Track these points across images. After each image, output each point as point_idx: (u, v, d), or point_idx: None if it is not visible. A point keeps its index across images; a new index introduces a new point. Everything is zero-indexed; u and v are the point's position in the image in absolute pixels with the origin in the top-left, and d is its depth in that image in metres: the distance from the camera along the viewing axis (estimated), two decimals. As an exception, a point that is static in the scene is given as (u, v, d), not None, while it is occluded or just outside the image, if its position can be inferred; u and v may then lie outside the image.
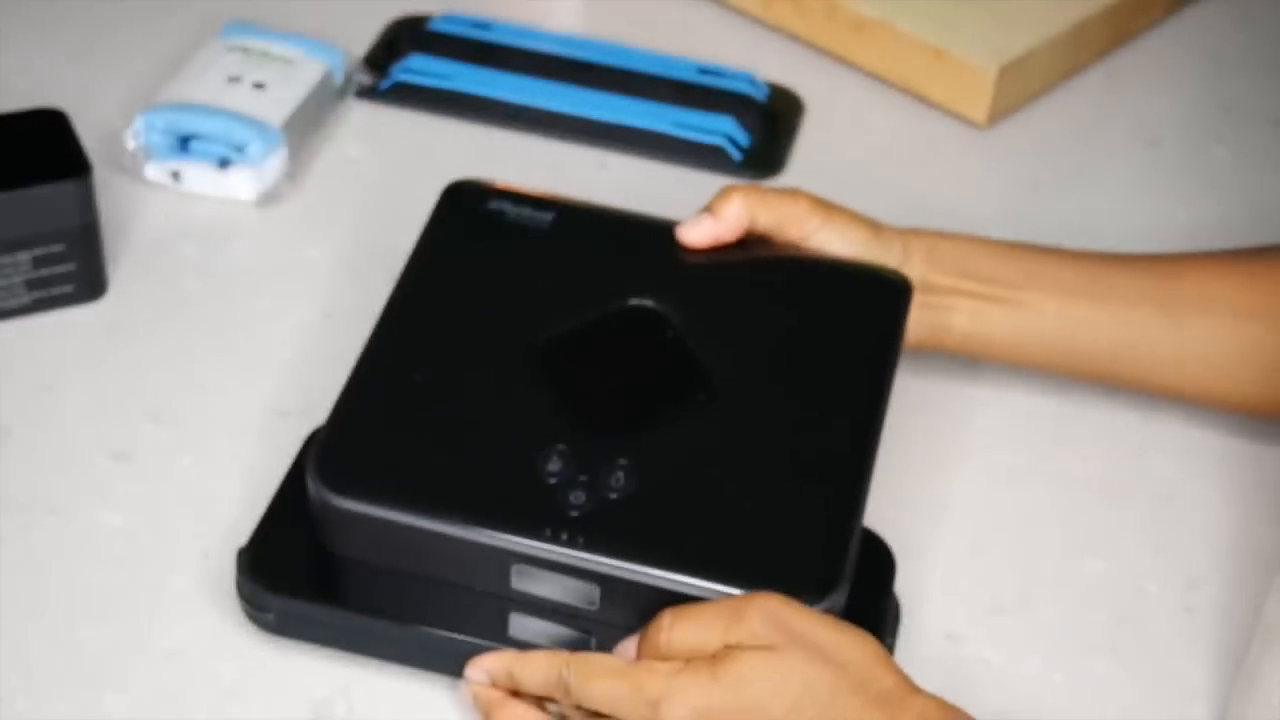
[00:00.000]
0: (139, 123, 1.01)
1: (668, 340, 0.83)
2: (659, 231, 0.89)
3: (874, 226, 0.88)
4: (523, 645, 0.75)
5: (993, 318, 0.87)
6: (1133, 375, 0.89)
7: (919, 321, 0.87)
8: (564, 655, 0.73)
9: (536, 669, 0.73)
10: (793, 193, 0.88)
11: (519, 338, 0.82)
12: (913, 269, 0.87)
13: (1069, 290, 0.88)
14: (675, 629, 0.71)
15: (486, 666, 0.74)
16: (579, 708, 0.72)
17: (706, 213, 0.87)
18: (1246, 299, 0.87)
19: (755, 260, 0.87)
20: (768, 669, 0.69)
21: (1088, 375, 0.90)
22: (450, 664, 0.76)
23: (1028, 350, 0.88)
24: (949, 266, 0.88)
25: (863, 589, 0.76)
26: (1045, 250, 0.90)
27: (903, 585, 0.80)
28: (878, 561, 0.80)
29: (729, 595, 0.72)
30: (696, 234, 0.86)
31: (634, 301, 0.84)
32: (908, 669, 0.79)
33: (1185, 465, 0.91)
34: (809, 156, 1.10)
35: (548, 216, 0.88)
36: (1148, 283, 0.88)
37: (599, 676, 0.71)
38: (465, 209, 0.89)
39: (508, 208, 0.88)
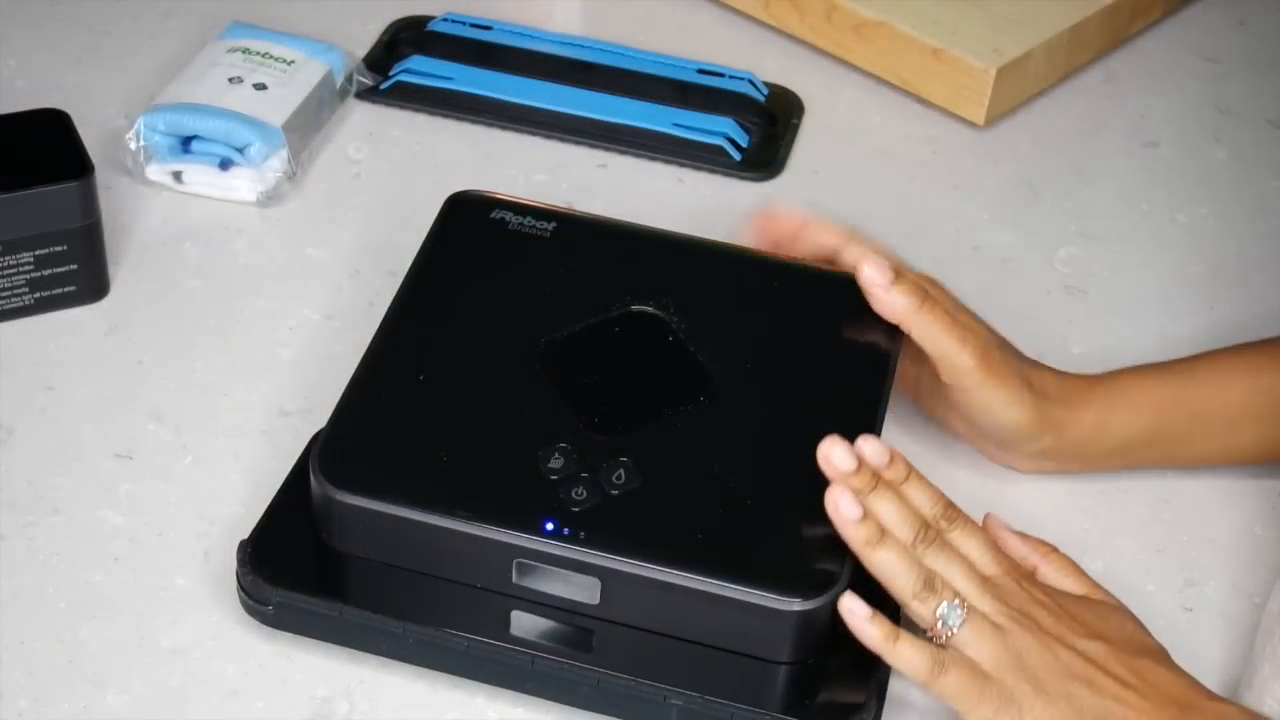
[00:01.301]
0: (140, 123, 1.01)
1: (669, 343, 0.83)
2: (659, 242, 0.89)
3: (1037, 406, 0.84)
4: (523, 643, 0.75)
5: (1125, 464, 0.89)
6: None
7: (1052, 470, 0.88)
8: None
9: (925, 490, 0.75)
10: (964, 333, 0.82)
11: (521, 340, 0.82)
12: (1065, 444, 0.86)
13: (1194, 421, 0.87)
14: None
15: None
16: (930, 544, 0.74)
17: (890, 270, 0.83)
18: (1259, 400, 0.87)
19: (755, 268, 0.88)
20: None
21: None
22: (448, 661, 0.76)
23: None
24: (1113, 441, 0.86)
25: (864, 594, 0.76)
26: (1199, 372, 0.88)
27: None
28: None
29: (730, 591, 0.73)
30: (871, 268, 0.82)
31: (635, 308, 0.85)
32: (907, 667, 0.79)
33: (1183, 466, 0.91)
34: (809, 156, 1.10)
35: (549, 226, 0.89)
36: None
37: (979, 538, 0.75)
38: (467, 218, 0.89)
39: (509, 217, 0.89)
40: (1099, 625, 0.74)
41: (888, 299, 0.82)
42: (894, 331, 0.84)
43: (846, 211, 1.05)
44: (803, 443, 0.79)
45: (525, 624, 0.76)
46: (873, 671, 0.75)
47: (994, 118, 1.13)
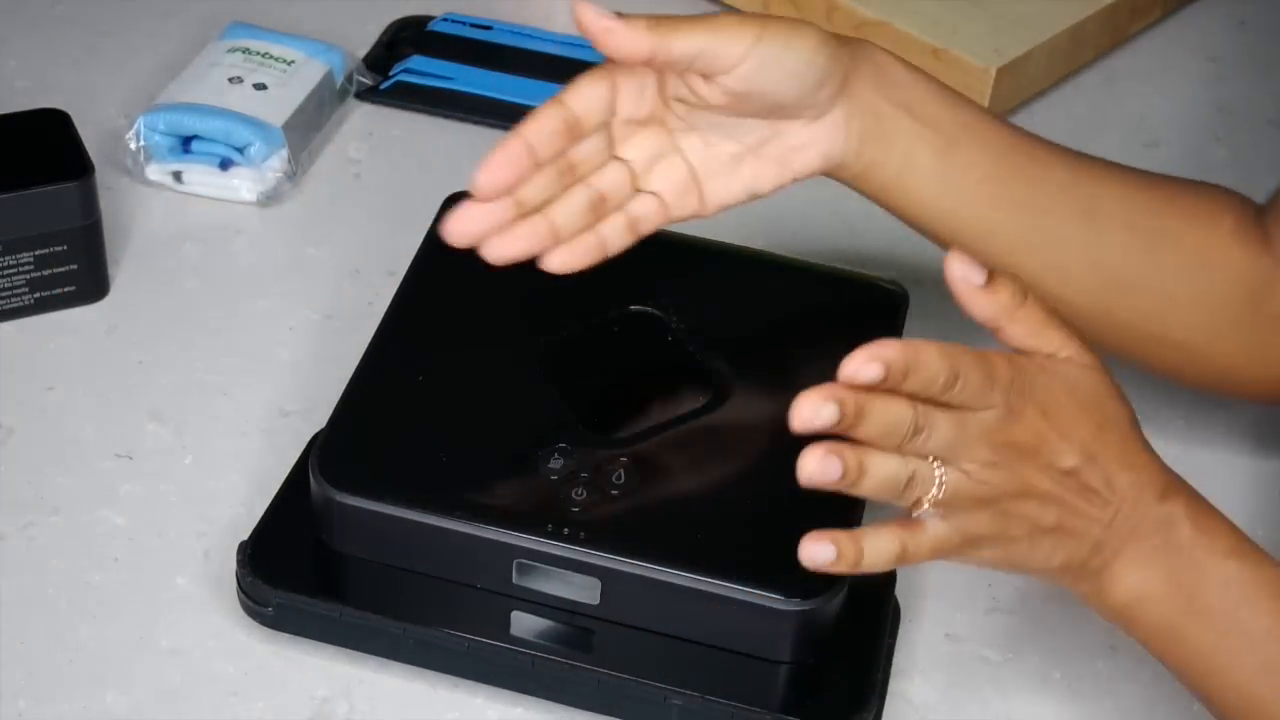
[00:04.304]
0: (140, 124, 1.01)
1: (668, 344, 0.83)
2: (659, 242, 0.89)
3: (825, 48, 0.75)
4: (523, 643, 0.75)
5: (922, 165, 0.80)
6: (1037, 270, 0.82)
7: (851, 149, 0.79)
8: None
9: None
10: (710, 17, 0.74)
11: (521, 341, 0.82)
12: (861, 92, 0.78)
13: (999, 157, 0.81)
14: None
15: (885, 357, 0.64)
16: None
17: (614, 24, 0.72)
18: (1169, 225, 0.83)
19: (754, 268, 0.88)
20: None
21: (994, 258, 0.79)
22: (448, 661, 0.76)
23: (944, 210, 0.81)
24: (895, 97, 0.79)
25: (863, 594, 0.76)
26: (981, 110, 0.83)
27: (902, 586, 0.81)
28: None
29: (730, 590, 0.73)
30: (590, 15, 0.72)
31: (635, 308, 0.85)
32: (908, 669, 0.79)
33: (1184, 467, 0.90)
34: (808, 157, 1.10)
35: None
36: (1074, 179, 0.83)
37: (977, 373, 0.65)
38: None
39: None
40: (1080, 426, 0.68)
41: (619, 41, 0.72)
42: (894, 331, 0.84)
43: (847, 210, 1.05)
44: (802, 441, 0.79)
45: (525, 624, 0.76)
46: (873, 671, 0.76)
47: (994, 118, 1.12)
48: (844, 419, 0.64)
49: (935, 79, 0.81)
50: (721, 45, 0.73)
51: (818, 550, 0.66)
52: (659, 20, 0.73)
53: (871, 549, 0.66)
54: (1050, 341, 0.70)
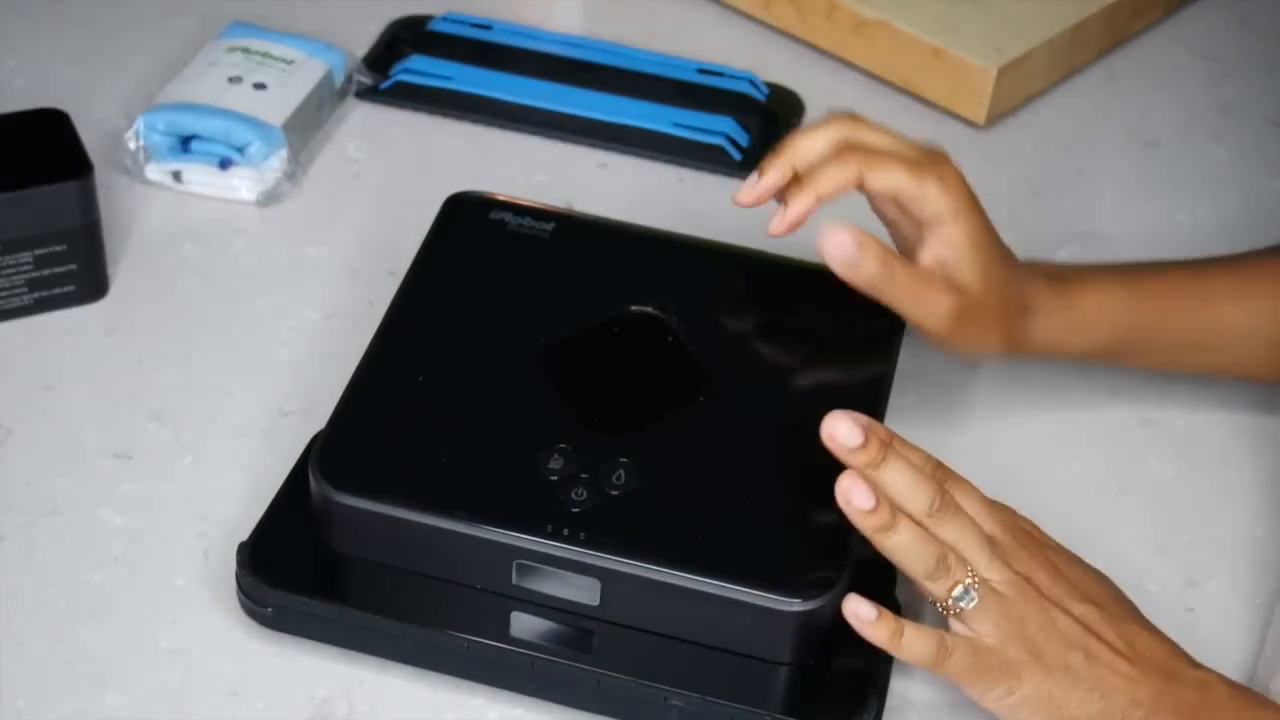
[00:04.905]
0: (140, 123, 1.01)
1: (668, 344, 0.83)
2: (658, 242, 0.89)
3: (1008, 343, 0.85)
4: (523, 644, 0.75)
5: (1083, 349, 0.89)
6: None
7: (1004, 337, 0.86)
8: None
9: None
10: (931, 296, 0.82)
11: (521, 341, 0.82)
12: (1037, 334, 0.86)
13: (1162, 353, 0.90)
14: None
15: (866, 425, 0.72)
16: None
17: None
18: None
19: (754, 268, 0.88)
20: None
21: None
22: (448, 662, 0.76)
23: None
24: (1081, 327, 0.86)
25: (864, 595, 0.76)
26: (1140, 292, 0.88)
27: (903, 586, 0.80)
28: (878, 569, 0.80)
29: (730, 591, 0.73)
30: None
31: (635, 308, 0.85)
32: (908, 669, 0.79)
33: (1184, 466, 0.91)
34: (809, 157, 1.10)
35: (548, 227, 0.89)
36: (1195, 307, 0.89)
37: (973, 492, 0.74)
38: (466, 219, 0.89)
39: (508, 218, 0.89)
40: (1086, 584, 0.74)
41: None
42: (894, 331, 0.84)
43: (847, 211, 1.05)
44: (802, 443, 0.79)
45: (525, 625, 0.76)
46: (873, 672, 0.76)
47: (994, 117, 1.12)
48: (869, 446, 0.71)
49: (1110, 276, 0.88)
50: (920, 325, 0.82)
51: (862, 607, 0.71)
52: (885, 275, 0.80)
53: (911, 633, 0.71)
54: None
